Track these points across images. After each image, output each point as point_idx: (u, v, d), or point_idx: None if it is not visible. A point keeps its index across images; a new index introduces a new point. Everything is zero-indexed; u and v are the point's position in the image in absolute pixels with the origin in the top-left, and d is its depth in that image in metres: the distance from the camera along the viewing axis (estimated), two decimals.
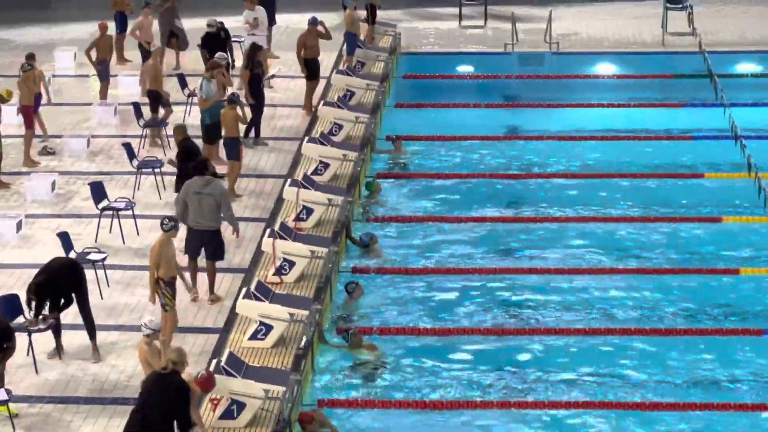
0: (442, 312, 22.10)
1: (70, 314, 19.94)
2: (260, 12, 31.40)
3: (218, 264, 21.82)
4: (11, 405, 18.15)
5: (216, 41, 29.86)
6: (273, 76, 30.31)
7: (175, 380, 16.16)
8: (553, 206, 25.90)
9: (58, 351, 19.85)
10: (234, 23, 31.47)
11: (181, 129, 24.36)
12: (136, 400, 16.21)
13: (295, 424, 18.27)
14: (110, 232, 23.53)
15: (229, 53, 29.62)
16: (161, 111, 27.87)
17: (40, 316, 19.55)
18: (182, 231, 20.97)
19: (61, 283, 19.73)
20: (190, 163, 22.56)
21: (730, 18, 36.33)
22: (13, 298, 19.88)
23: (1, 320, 18.68)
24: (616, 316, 21.46)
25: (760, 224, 24.21)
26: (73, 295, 19.82)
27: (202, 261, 21.63)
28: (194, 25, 32.76)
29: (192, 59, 30.32)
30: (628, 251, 23.96)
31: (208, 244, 21.40)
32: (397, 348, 20.92)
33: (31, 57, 27.54)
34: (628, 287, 22.35)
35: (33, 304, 19.54)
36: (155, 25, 31.64)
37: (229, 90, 27.21)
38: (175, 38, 31.43)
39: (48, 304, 19.62)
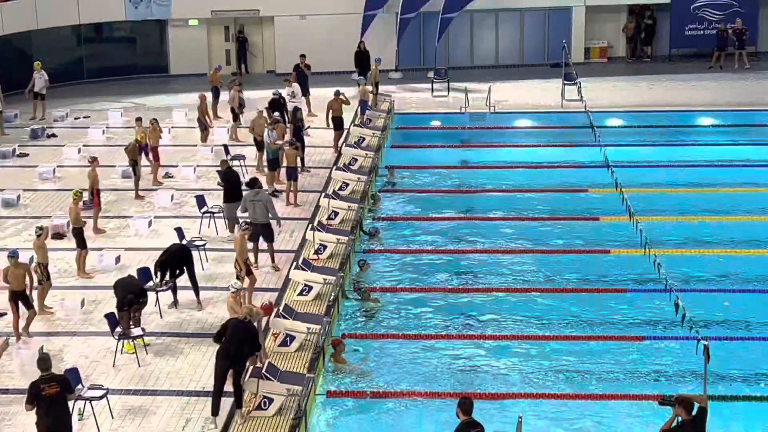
0: (422, 276, 22.03)
1: (182, 280, 19.96)
2: (296, 87, 31.43)
3: (277, 246, 21.82)
4: (145, 338, 18.20)
5: (277, 104, 29.78)
6: (309, 127, 30.25)
7: (249, 325, 16.19)
8: (486, 209, 25.77)
9: (175, 303, 19.87)
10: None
11: (224, 162, 24.35)
12: (224, 335, 16.15)
13: (328, 348, 18.28)
14: (208, 227, 23.51)
15: (285, 113, 29.49)
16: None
17: (163, 281, 19.58)
18: None
19: (176, 260, 19.78)
20: (231, 182, 22.94)
21: (604, 90, 36.26)
22: (146, 270, 19.94)
23: (139, 284, 18.72)
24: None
25: (624, 222, 24.08)
26: (184, 267, 19.83)
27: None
28: (261, 95, 32.77)
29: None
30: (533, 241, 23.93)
31: (262, 233, 21.40)
32: (393, 300, 20.88)
33: (138, 119, 27.20)
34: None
35: (158, 273, 19.58)
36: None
37: (287, 137, 27.16)
38: (237, 105, 30.83)
39: (168, 273, 19.65)
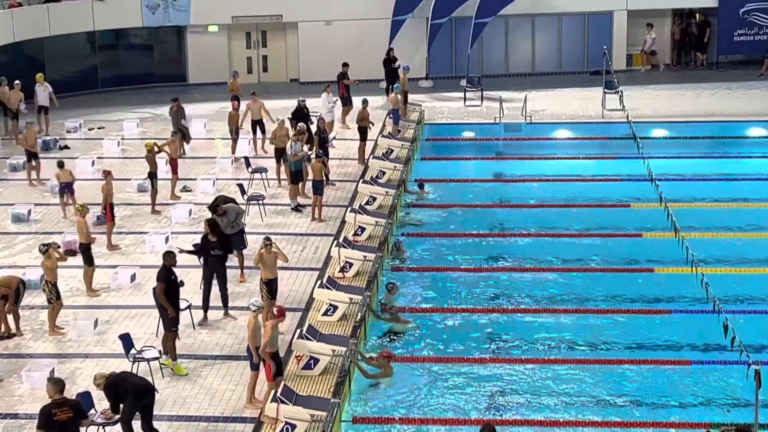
0: (452, 296, 21.99)
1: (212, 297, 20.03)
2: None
3: (301, 264, 21.83)
4: (168, 361, 18.27)
5: (301, 114, 29.69)
6: (334, 138, 30.34)
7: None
8: (522, 224, 25.73)
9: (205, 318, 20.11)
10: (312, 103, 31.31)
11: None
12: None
13: (354, 373, 18.20)
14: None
15: (309, 123, 29.31)
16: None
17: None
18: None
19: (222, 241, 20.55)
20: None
21: (648, 99, 36.13)
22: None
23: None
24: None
25: (669, 239, 23.99)
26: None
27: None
28: (283, 104, 32.81)
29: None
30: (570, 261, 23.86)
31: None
32: (422, 320, 20.83)
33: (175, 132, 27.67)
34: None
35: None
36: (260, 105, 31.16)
37: (307, 148, 27.25)
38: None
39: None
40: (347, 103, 33.17)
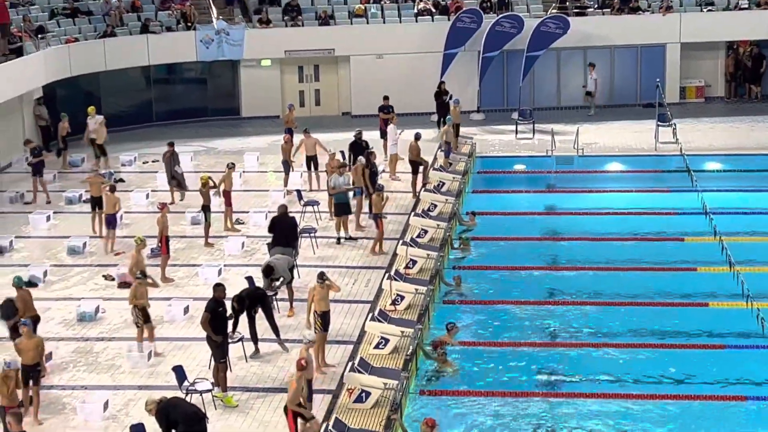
0: (504, 330, 21.91)
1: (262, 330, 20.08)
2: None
3: (353, 296, 21.88)
4: (219, 393, 18.35)
5: (359, 147, 29.78)
6: (383, 171, 30.46)
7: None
8: (574, 258, 25.68)
9: (257, 351, 20.21)
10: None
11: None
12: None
13: (406, 404, 18.15)
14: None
15: (369, 157, 28.53)
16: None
17: (237, 323, 19.87)
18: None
19: (252, 300, 20.25)
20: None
21: (701, 132, 35.94)
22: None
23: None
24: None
25: (724, 273, 23.77)
26: (260, 307, 20.34)
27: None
28: (334, 137, 32.98)
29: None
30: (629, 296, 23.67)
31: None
32: (474, 355, 20.77)
33: (231, 165, 27.74)
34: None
35: (234, 308, 20.04)
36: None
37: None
38: (174, 180, 29.67)
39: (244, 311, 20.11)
40: (384, 136, 33.11)
